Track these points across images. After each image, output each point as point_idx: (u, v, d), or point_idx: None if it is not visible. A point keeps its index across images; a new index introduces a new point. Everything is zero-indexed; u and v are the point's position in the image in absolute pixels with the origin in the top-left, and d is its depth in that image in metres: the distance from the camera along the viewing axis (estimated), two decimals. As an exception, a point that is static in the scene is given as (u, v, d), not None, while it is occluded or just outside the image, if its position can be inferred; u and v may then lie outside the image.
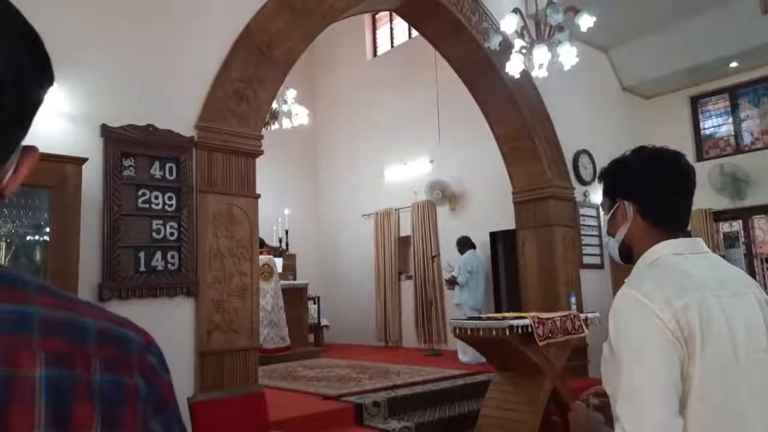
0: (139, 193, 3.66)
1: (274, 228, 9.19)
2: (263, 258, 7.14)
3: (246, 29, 4.16)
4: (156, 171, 3.73)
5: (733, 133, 7.91)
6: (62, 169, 3.17)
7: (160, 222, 3.71)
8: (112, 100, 3.61)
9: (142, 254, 3.62)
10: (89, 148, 3.45)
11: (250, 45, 4.17)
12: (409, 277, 9.18)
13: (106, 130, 3.54)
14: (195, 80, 3.95)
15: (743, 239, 7.64)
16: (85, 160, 3.29)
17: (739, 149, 7.80)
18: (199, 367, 3.71)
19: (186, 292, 3.74)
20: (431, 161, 8.95)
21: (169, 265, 3.71)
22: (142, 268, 3.61)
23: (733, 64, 7.37)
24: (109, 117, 3.56)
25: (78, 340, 0.51)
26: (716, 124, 8.08)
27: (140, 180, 3.67)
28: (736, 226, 7.72)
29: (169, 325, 3.62)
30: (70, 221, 3.19)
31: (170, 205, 3.76)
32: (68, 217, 3.18)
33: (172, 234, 3.74)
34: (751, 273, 7.24)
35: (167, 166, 3.77)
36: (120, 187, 3.56)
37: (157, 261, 3.67)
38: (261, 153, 4.20)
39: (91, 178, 3.40)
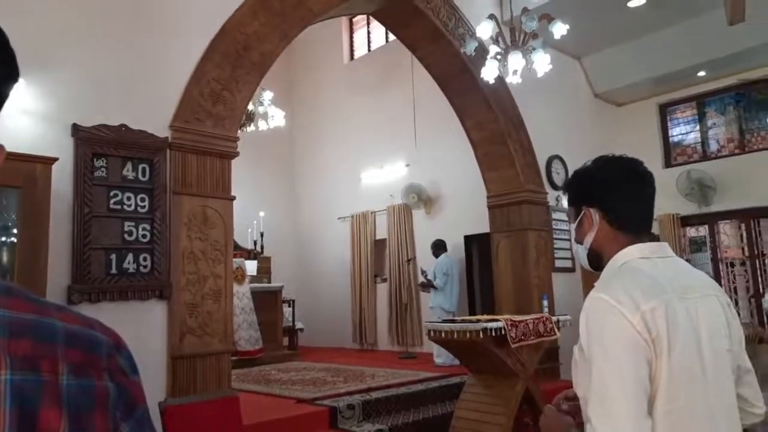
0: (111, 194, 3.60)
1: (249, 230, 9.12)
2: (235, 261, 7.08)
3: (222, 30, 4.13)
4: (129, 172, 3.67)
5: (700, 141, 8.13)
6: (31, 168, 3.10)
7: (133, 223, 3.66)
8: (84, 99, 3.55)
9: (113, 256, 3.56)
10: (59, 147, 3.38)
11: (227, 46, 4.14)
12: (384, 280, 9.20)
13: (77, 130, 3.48)
14: (170, 80, 3.91)
15: (709, 244, 7.85)
16: (55, 159, 3.22)
17: (705, 156, 8.02)
18: (171, 371, 3.66)
19: (158, 295, 3.69)
20: (407, 165, 8.99)
21: (142, 268, 3.65)
22: (114, 271, 3.55)
23: (701, 73, 7.58)
24: (80, 116, 3.50)
25: (45, 343, 0.50)
26: (684, 131, 8.30)
27: (112, 181, 3.61)
28: (703, 231, 7.93)
29: (141, 328, 3.57)
30: (39, 222, 3.12)
31: (143, 207, 3.71)
32: (37, 218, 3.11)
33: (144, 236, 3.69)
34: (717, 276, 7.45)
35: (140, 166, 3.72)
36: (91, 187, 3.50)
37: (129, 263, 3.61)
38: (236, 154, 4.18)
39: (62, 178, 3.34)
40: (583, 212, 1.36)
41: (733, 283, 7.60)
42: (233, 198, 4.12)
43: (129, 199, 3.66)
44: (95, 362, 0.53)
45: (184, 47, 3.99)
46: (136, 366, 0.59)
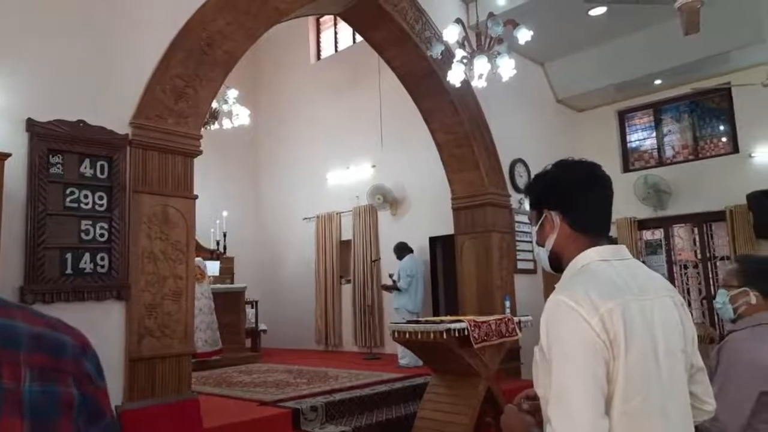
0: (67, 191, 3.49)
1: (212, 230, 8.96)
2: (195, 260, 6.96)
3: (186, 26, 4.06)
4: (86, 169, 3.57)
5: (656, 147, 8.41)
6: (-18, 164, 2.98)
7: (90, 222, 3.55)
8: (39, 93, 3.43)
9: (69, 256, 3.45)
10: (13, 143, 3.26)
11: (191, 42, 4.07)
12: (349, 281, 9.19)
13: (32, 125, 3.36)
14: (131, 76, 3.82)
15: (664, 246, 8.12)
16: (7, 155, 3.11)
17: (661, 162, 8.29)
18: (129, 374, 3.57)
19: (116, 296, 3.59)
20: (373, 166, 9.01)
21: (99, 268, 3.55)
22: (69, 271, 3.44)
23: (658, 82, 7.84)
24: (35, 111, 3.38)
25: (7, 347, 0.48)
26: (641, 137, 8.56)
27: (69, 178, 3.50)
28: (658, 234, 8.20)
29: (98, 330, 3.45)
30: (-10, 220, 3.00)
31: (101, 205, 3.61)
32: (-13, 216, 2.99)
33: (102, 235, 3.59)
34: (671, 278, 7.72)
35: (98, 164, 3.62)
36: (46, 185, 3.38)
37: (86, 263, 3.51)
38: (199, 153, 4.11)
39: (15, 175, 3.22)
40: (544, 215, 1.38)
41: (686, 284, 7.88)
42: (195, 197, 4.05)
43: (86, 197, 3.55)
44: (61, 366, 0.50)
45: (147, 42, 3.90)
46: (102, 370, 0.56)
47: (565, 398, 1.11)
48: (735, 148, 7.53)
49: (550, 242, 1.37)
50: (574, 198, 1.34)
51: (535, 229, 1.43)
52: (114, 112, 3.70)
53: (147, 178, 3.78)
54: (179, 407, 3.52)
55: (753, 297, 2.06)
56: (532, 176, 1.49)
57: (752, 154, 7.27)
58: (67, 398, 0.50)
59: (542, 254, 1.41)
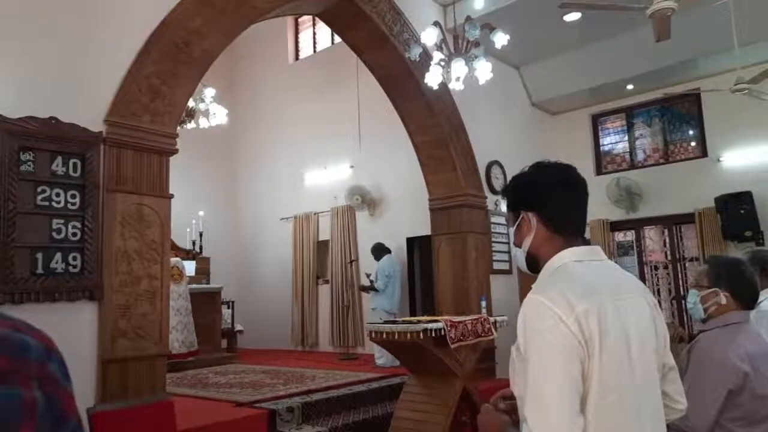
0: (39, 190, 3.41)
1: (188, 230, 8.86)
2: (171, 260, 6.87)
3: (162, 24, 4.01)
4: (58, 167, 3.50)
5: (628, 150, 8.58)
6: (-51, 161, 2.90)
7: (62, 221, 3.48)
8: (10, 88, 3.35)
9: (39, 255, 3.38)
10: (-18, 139, 3.18)
11: (167, 40, 4.02)
12: (327, 282, 9.17)
13: (1, 121, 3.27)
14: (105, 73, 3.75)
15: (636, 248, 8.29)
16: (-24, 152, 3.03)
17: (633, 165, 8.47)
18: (102, 376, 3.51)
19: (89, 296, 3.53)
20: (352, 167, 9.00)
21: (71, 268, 3.49)
22: (40, 270, 3.37)
23: (630, 87, 8.00)
24: (6, 107, 3.30)
25: None
26: (614, 141, 8.73)
27: (40, 176, 3.42)
28: (630, 235, 8.38)
29: (69, 331, 3.39)
30: (-43, 218, 2.92)
31: (73, 204, 3.54)
32: (-45, 214, 2.92)
33: (74, 234, 3.52)
34: (642, 279, 7.87)
35: (71, 162, 3.55)
36: (16, 182, 3.30)
37: (57, 263, 3.44)
38: (175, 152, 4.06)
39: (-17, 172, 3.14)
40: (521, 216, 1.39)
41: (657, 285, 8.07)
42: (171, 196, 4.00)
43: (58, 195, 3.48)
44: (23, 369, 0.49)
45: (122, 40, 3.84)
46: (68, 372, 0.54)
47: (541, 397, 1.13)
48: (704, 152, 7.73)
49: (527, 243, 1.39)
50: (551, 199, 1.36)
51: (512, 230, 1.44)
52: (87, 110, 3.63)
53: (121, 176, 3.72)
54: (153, 409, 3.47)
55: (723, 297, 2.11)
56: (509, 178, 1.51)
57: (720, 158, 7.47)
58: (29, 403, 0.48)
59: (519, 255, 1.43)
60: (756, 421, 1.91)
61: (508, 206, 1.47)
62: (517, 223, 1.41)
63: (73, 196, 3.54)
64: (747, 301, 2.11)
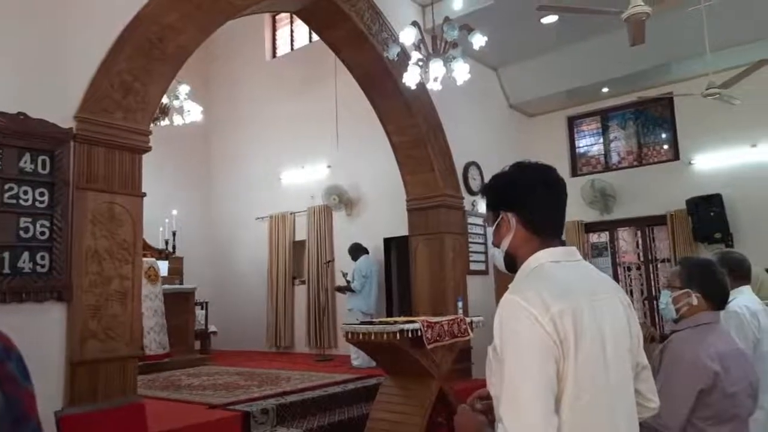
0: (6, 187, 3.31)
1: (161, 229, 8.71)
2: (147, 261, 6.75)
3: (136, 18, 3.92)
4: (26, 164, 3.40)
5: (603, 152, 8.72)
6: None
7: (30, 219, 3.38)
8: (-26, 82, 3.24)
9: (6, 255, 3.28)
10: (-56, 134, 3.07)
11: (141, 35, 3.94)
12: (303, 282, 9.10)
13: (-34, 116, 3.17)
14: (76, 68, 3.65)
15: (610, 249, 8.42)
16: (-62, 147, 2.92)
17: (608, 167, 8.60)
18: (70, 378, 3.42)
19: (57, 297, 3.43)
20: (329, 166, 8.96)
21: (39, 267, 3.39)
22: (6, 270, 3.26)
23: (605, 90, 8.13)
24: (-30, 101, 3.20)
25: None
26: (589, 143, 8.86)
27: (7, 173, 3.32)
28: (604, 237, 8.50)
29: (37, 333, 3.30)
30: None
31: (41, 202, 3.44)
32: None
33: (43, 233, 3.42)
34: (616, 279, 8.00)
35: (40, 158, 3.45)
36: (-19, 179, 3.20)
37: (24, 262, 3.34)
38: (148, 149, 3.98)
39: (-54, 168, 3.03)
40: (501, 216, 1.39)
41: (630, 285, 8.20)
42: (143, 195, 3.92)
43: (26, 193, 3.38)
44: None
45: (94, 35, 3.75)
46: (28, 372, 0.53)
47: (516, 397, 1.13)
48: (676, 155, 7.89)
49: (505, 243, 1.39)
50: (531, 200, 1.35)
51: (491, 229, 1.44)
52: (58, 105, 3.53)
53: (92, 174, 3.63)
54: (123, 412, 3.40)
55: (694, 298, 2.14)
56: (486, 179, 1.51)
57: (692, 162, 7.63)
58: None
59: (498, 255, 1.43)
60: (725, 419, 1.95)
61: (487, 205, 1.47)
62: (497, 222, 1.41)
63: (42, 194, 3.45)
64: (718, 301, 2.15)
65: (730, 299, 2.28)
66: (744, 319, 2.54)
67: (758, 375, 2.10)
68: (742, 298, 2.65)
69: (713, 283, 2.15)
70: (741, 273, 2.75)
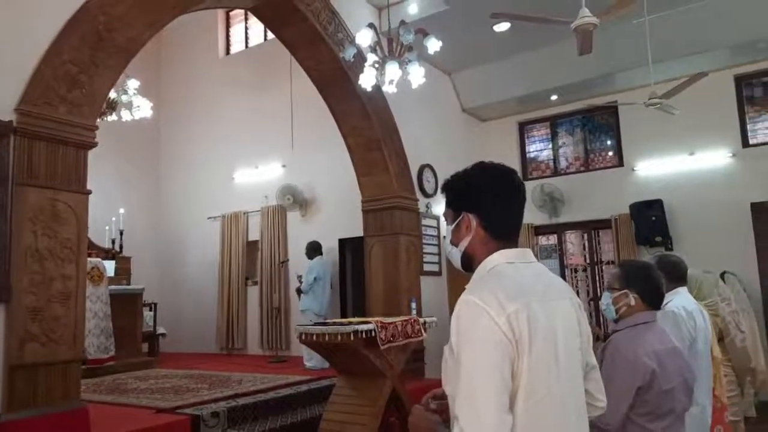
0: (-63, 182, 3.14)
1: (107, 228, 8.43)
2: (91, 261, 6.52)
3: (83, 8, 3.79)
4: (-39, 158, 3.23)
5: (552, 158, 8.98)
6: None
7: (-36, 217, 3.22)
8: None
9: (-63, 253, 3.11)
10: None
11: (88, 26, 3.80)
12: (256, 283, 8.98)
13: None
14: (17, 59, 3.49)
15: (558, 251, 8.69)
16: None
17: (556, 172, 8.87)
18: (8, 383, 3.26)
19: (-6, 298, 3.27)
20: (284, 166, 8.88)
21: (-26, 267, 3.22)
22: (-63, 270, 3.09)
23: (554, 97, 8.38)
24: None
25: None
26: (539, 148, 9.11)
27: (-61, 167, 3.15)
28: (553, 239, 8.76)
29: (-29, 335, 3.14)
30: None
31: (-22, 198, 3.28)
32: None
33: (-22, 231, 3.26)
34: (564, 281, 8.27)
35: (-24, 153, 3.28)
36: None
37: (-42, 262, 3.17)
38: (94, 145, 3.84)
39: None
40: (462, 216, 1.40)
41: (577, 287, 8.48)
42: (89, 192, 3.78)
43: (-40, 188, 3.21)
44: None
45: (37, 24, 3.60)
46: None
47: (472, 396, 1.15)
48: (620, 162, 8.22)
49: (464, 243, 1.40)
50: (493, 204, 1.38)
51: (450, 228, 1.45)
52: (-4, 97, 3.37)
53: (33, 169, 3.48)
54: (65, 417, 3.28)
55: (632, 299, 2.25)
56: (440, 182, 1.53)
57: (634, 168, 7.97)
58: None
59: (455, 253, 1.44)
60: (661, 414, 2.04)
61: (447, 203, 1.46)
62: (457, 222, 1.42)
63: (-22, 190, 3.28)
64: (654, 302, 2.26)
65: (667, 300, 2.40)
66: (680, 319, 2.67)
67: (693, 372, 2.21)
68: (679, 299, 2.79)
69: (649, 285, 2.25)
70: (677, 275, 2.89)
